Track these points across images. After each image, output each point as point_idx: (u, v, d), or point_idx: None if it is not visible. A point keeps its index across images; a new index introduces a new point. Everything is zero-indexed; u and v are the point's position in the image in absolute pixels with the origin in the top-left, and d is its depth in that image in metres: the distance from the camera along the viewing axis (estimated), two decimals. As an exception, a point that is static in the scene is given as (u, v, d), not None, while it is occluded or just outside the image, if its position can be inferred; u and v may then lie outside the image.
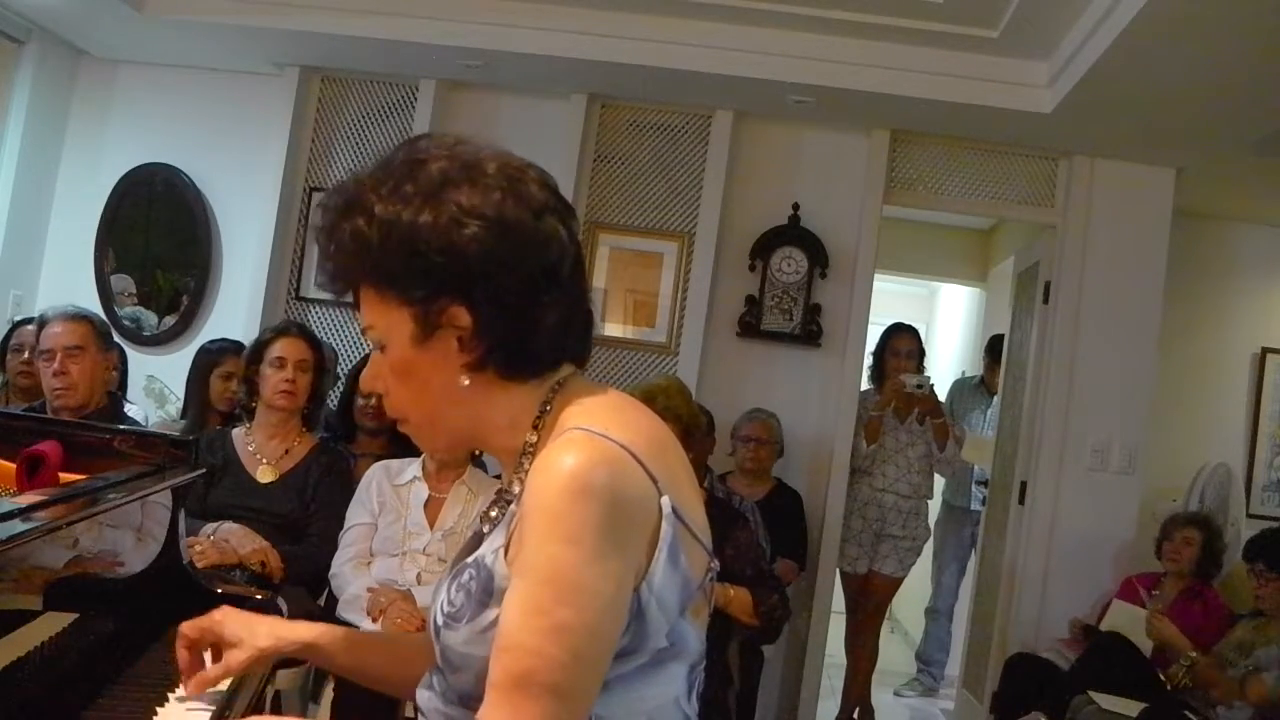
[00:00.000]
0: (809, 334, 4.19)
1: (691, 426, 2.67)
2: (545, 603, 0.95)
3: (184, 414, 3.80)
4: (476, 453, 2.62)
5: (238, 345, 3.71)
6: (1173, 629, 3.48)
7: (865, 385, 4.37)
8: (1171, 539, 3.78)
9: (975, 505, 5.21)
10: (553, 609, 0.94)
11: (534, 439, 1.09)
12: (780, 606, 2.84)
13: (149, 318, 4.57)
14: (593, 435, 1.00)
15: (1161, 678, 3.41)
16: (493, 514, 1.14)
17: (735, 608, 2.73)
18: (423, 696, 1.13)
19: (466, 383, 1.08)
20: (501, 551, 1.04)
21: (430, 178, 1.06)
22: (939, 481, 4.65)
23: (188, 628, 1.33)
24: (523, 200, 1.07)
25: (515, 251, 1.05)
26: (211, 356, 3.72)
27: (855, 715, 4.38)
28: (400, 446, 3.23)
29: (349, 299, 1.13)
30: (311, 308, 4.34)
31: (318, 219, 1.12)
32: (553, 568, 0.95)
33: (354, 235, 1.06)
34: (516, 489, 1.08)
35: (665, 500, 1.01)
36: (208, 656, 1.33)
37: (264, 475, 2.96)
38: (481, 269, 1.04)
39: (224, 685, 1.39)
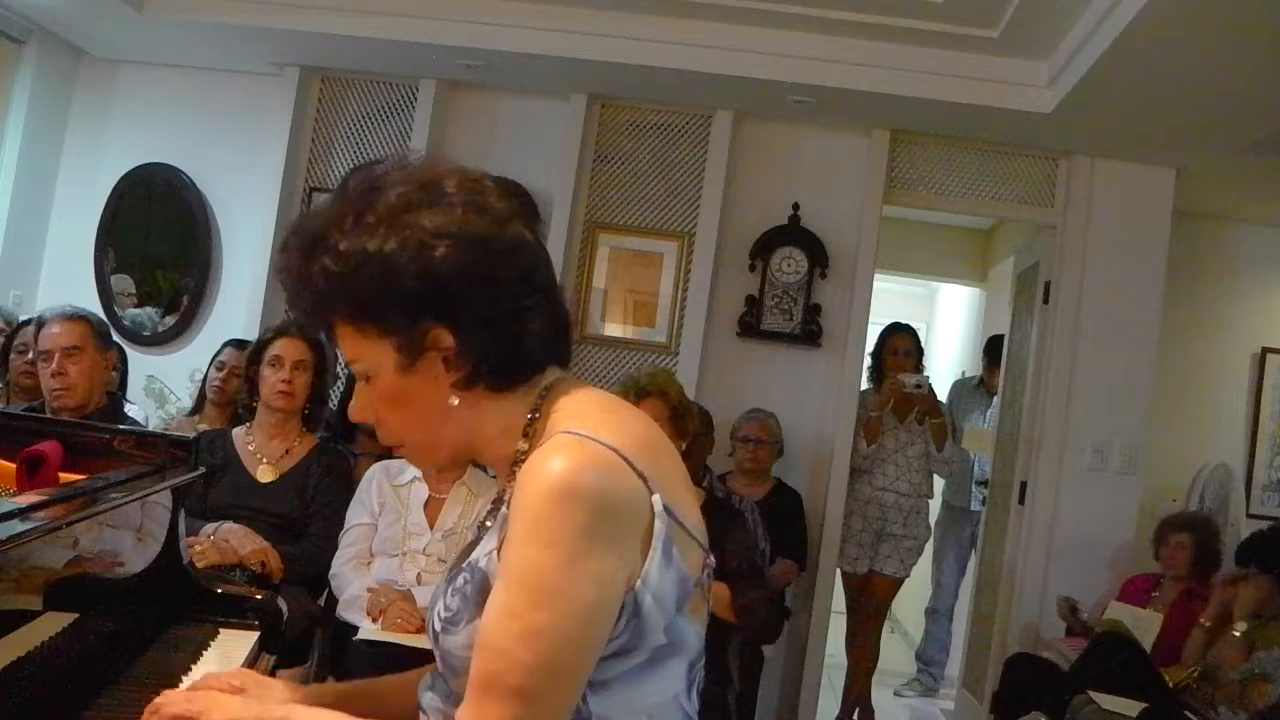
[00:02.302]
0: (809, 334, 4.19)
1: (680, 408, 2.67)
2: (518, 606, 0.95)
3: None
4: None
5: (244, 342, 3.73)
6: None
7: (865, 385, 4.37)
8: (1166, 543, 3.80)
9: (975, 505, 5.21)
10: (525, 613, 0.95)
11: (525, 446, 1.09)
12: (761, 603, 2.81)
13: (149, 318, 4.57)
14: (581, 438, 1.00)
15: (1165, 677, 3.40)
16: (488, 522, 1.15)
17: (712, 604, 2.71)
18: (426, 697, 1.13)
19: (455, 401, 1.08)
20: (495, 554, 1.04)
21: (390, 204, 1.05)
22: (939, 481, 4.65)
23: (204, 684, 1.24)
24: (486, 212, 1.06)
25: (488, 265, 1.05)
26: (219, 349, 3.75)
27: (855, 715, 4.38)
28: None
29: (325, 335, 1.11)
30: (311, 308, 4.33)
31: (281, 261, 1.10)
32: (529, 571, 0.96)
33: (323, 274, 1.05)
34: (509, 495, 1.08)
35: (657, 499, 1.01)
36: None
37: (264, 475, 2.96)
38: (457, 288, 1.04)
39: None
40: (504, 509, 1.09)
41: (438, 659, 1.09)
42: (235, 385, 3.56)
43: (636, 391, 2.60)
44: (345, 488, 2.99)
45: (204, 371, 3.80)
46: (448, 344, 1.06)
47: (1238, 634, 3.32)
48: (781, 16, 3.64)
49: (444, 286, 1.03)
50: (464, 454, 1.16)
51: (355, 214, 1.05)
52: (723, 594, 2.70)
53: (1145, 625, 3.59)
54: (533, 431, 1.09)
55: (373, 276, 1.03)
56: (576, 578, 0.95)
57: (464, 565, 1.09)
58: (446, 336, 1.05)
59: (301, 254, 1.07)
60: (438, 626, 1.08)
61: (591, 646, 0.98)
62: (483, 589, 1.03)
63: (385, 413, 1.11)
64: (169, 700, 1.12)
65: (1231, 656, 3.29)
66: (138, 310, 4.58)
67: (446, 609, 1.07)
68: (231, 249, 4.52)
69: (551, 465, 0.97)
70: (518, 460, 1.08)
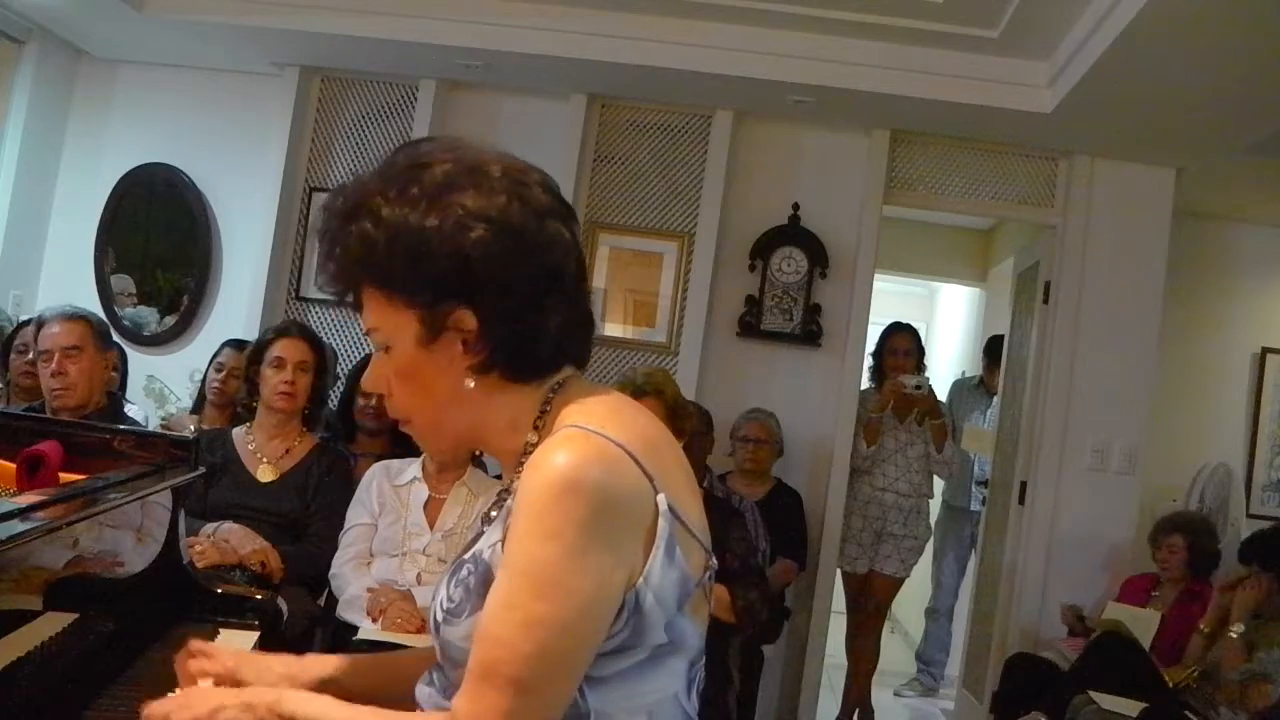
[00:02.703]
0: (809, 334, 4.19)
1: (677, 406, 2.67)
2: (519, 596, 0.96)
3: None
4: (477, 453, 2.62)
5: (243, 342, 3.73)
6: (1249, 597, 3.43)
7: (865, 385, 4.37)
8: (1160, 546, 3.80)
9: (975, 505, 5.21)
10: (526, 603, 0.95)
11: (534, 439, 1.09)
12: (759, 604, 2.81)
13: (149, 318, 4.57)
14: (588, 433, 1.01)
15: (1165, 677, 3.40)
16: (492, 514, 1.15)
17: (713, 606, 2.71)
18: (423, 692, 1.14)
19: (471, 385, 1.08)
20: (498, 546, 1.05)
21: (435, 180, 1.06)
22: (939, 481, 4.65)
23: (195, 667, 1.24)
24: (527, 203, 1.07)
25: (520, 255, 1.06)
26: (218, 349, 3.75)
27: (855, 715, 4.38)
28: (400, 447, 3.23)
29: (350, 300, 1.12)
30: (311, 308, 4.34)
31: (320, 221, 1.11)
32: (531, 562, 0.96)
33: (360, 238, 1.06)
34: (515, 487, 1.08)
35: (661, 498, 1.01)
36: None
37: (264, 475, 2.96)
38: (487, 272, 1.04)
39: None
40: (508, 501, 1.09)
41: (437, 650, 1.10)
42: (234, 386, 3.57)
43: (634, 391, 2.60)
44: (345, 488, 2.99)
45: (203, 372, 3.80)
46: (469, 326, 1.06)
47: (1234, 635, 3.32)
48: (781, 16, 3.64)
49: (473, 269, 1.04)
50: (467, 441, 1.17)
51: (400, 185, 1.06)
52: (723, 596, 2.70)
53: (1144, 624, 3.59)
54: (542, 425, 1.10)
55: (407, 248, 1.04)
56: (576, 570, 0.96)
57: (467, 557, 1.10)
58: (469, 319, 1.06)
59: (342, 216, 1.08)
60: (439, 617, 1.08)
61: (590, 639, 0.98)
62: (486, 580, 1.03)
63: (397, 386, 1.12)
64: (152, 712, 1.11)
65: (1230, 657, 3.29)
66: (137, 310, 4.58)
67: (449, 600, 1.07)
68: (231, 249, 4.52)
69: (556, 458, 0.98)
70: (526, 452, 1.09)
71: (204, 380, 3.76)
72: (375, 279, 1.08)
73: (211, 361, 3.73)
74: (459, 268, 1.04)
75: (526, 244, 1.06)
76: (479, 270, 1.04)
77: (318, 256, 1.13)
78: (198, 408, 3.78)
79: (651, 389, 2.63)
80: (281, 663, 1.27)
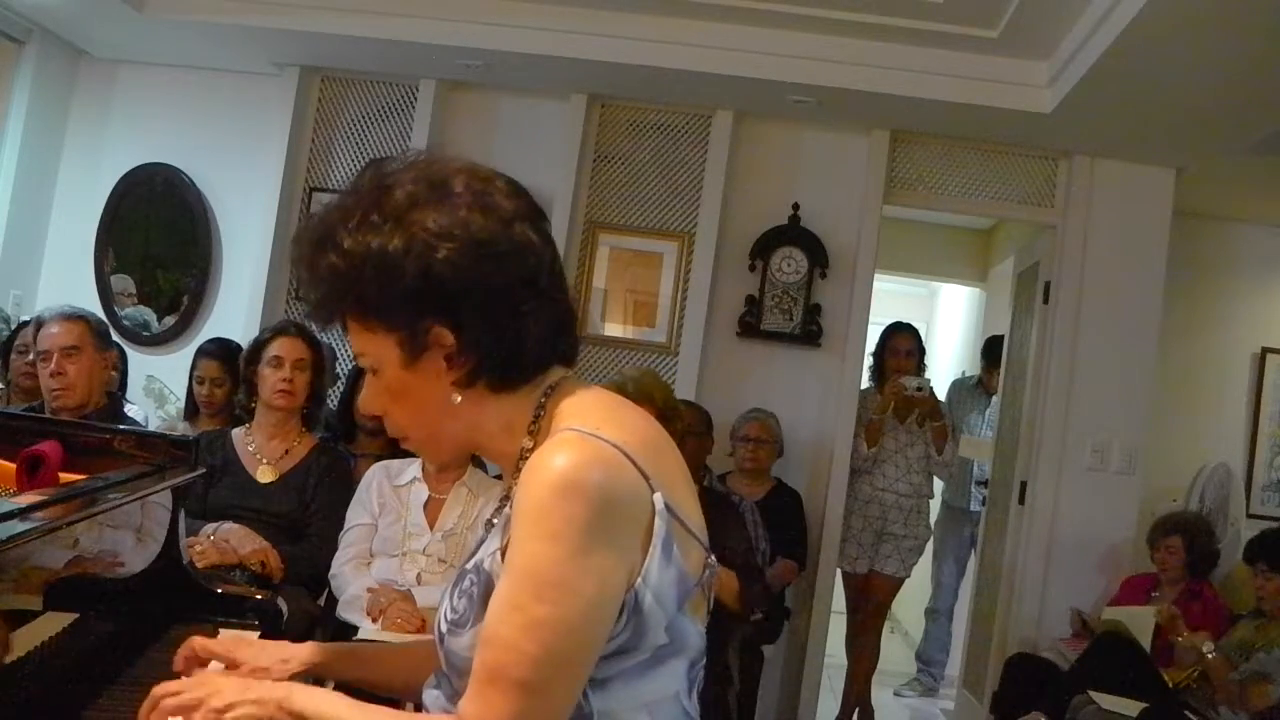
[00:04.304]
0: (809, 334, 4.19)
1: (667, 409, 2.66)
2: (523, 598, 0.96)
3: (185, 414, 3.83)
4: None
5: (222, 345, 3.71)
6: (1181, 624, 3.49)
7: (865, 384, 4.37)
8: (1158, 547, 3.81)
9: (975, 505, 5.21)
10: (530, 605, 0.96)
11: (530, 444, 1.10)
12: (760, 599, 2.81)
13: (149, 318, 4.57)
14: (584, 435, 1.01)
15: (1165, 677, 3.40)
16: (494, 521, 1.16)
17: (720, 589, 2.72)
18: (429, 696, 1.14)
19: (458, 399, 1.09)
20: (499, 554, 1.05)
21: (397, 203, 1.06)
22: (939, 481, 4.65)
23: (200, 647, 1.30)
24: (492, 212, 1.08)
25: (490, 266, 1.06)
26: (193, 361, 3.73)
27: (855, 715, 4.38)
28: (400, 447, 3.22)
29: (336, 327, 1.14)
30: (311, 308, 4.33)
31: (293, 254, 1.13)
32: (533, 564, 0.97)
33: (329, 270, 1.07)
34: (514, 492, 1.09)
35: (658, 497, 1.02)
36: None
37: (264, 475, 2.95)
38: (459, 288, 1.05)
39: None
40: (508, 508, 1.10)
41: (442, 659, 1.10)
42: (221, 395, 3.57)
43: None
44: (345, 488, 2.99)
45: (188, 382, 3.77)
46: (448, 342, 1.07)
47: (1209, 654, 3.34)
48: (781, 16, 3.64)
49: (445, 287, 1.05)
50: (467, 449, 1.18)
51: (362, 212, 1.07)
52: (732, 584, 2.69)
53: (1141, 621, 3.59)
54: (538, 429, 1.10)
55: (375, 274, 1.05)
56: (579, 571, 0.96)
57: (469, 566, 1.10)
58: (447, 335, 1.07)
59: (311, 248, 1.09)
60: (444, 628, 1.09)
61: (594, 640, 0.99)
62: (488, 590, 1.04)
63: (391, 405, 1.13)
64: (166, 690, 1.13)
65: (1217, 672, 3.30)
66: (137, 310, 4.58)
67: (453, 610, 1.08)
68: (231, 249, 4.52)
69: (555, 461, 0.98)
70: (523, 457, 1.09)
71: (189, 391, 3.74)
72: (351, 307, 1.09)
73: (191, 375, 3.71)
74: (429, 287, 1.05)
75: (495, 254, 1.06)
76: (450, 287, 1.05)
77: (300, 288, 1.15)
78: (189, 415, 3.76)
79: (642, 396, 2.60)
80: (277, 648, 1.31)
